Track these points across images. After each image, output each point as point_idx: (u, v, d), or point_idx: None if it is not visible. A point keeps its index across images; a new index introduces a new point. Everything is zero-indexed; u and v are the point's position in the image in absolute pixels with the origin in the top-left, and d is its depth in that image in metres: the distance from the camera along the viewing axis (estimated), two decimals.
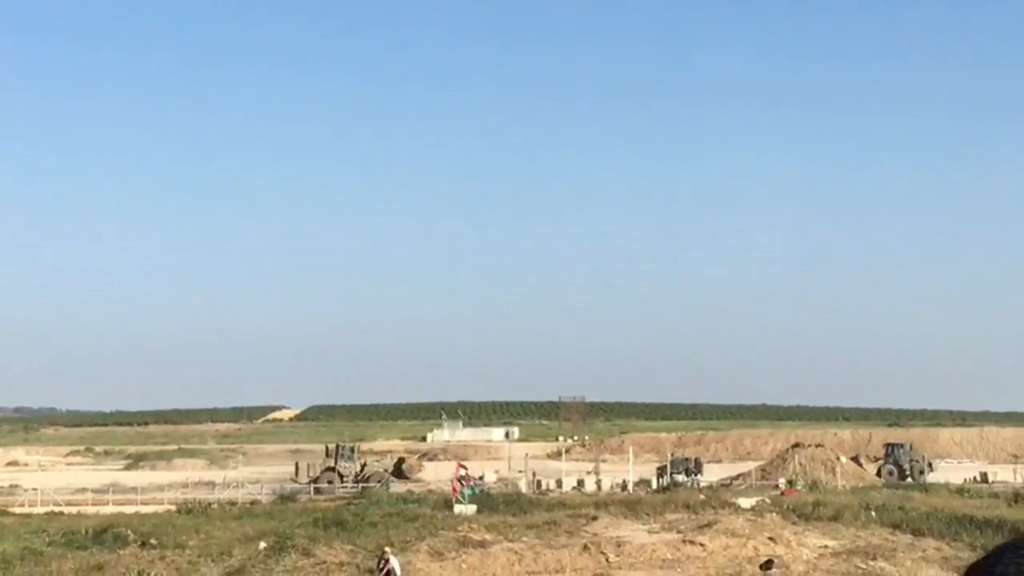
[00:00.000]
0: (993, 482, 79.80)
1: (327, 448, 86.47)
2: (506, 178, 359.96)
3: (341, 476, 79.58)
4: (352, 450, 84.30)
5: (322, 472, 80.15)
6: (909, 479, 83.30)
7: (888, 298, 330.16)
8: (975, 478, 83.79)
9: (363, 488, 74.80)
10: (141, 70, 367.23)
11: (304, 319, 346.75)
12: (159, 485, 79.07)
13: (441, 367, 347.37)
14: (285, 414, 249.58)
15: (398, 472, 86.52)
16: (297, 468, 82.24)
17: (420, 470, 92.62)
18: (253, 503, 65.37)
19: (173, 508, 62.01)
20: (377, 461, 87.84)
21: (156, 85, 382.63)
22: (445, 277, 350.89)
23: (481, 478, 73.24)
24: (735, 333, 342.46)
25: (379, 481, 77.80)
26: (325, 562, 38.88)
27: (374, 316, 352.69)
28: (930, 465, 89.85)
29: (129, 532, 44.92)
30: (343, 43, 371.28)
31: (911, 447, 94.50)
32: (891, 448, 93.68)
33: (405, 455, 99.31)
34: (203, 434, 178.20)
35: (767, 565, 34.53)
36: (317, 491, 74.22)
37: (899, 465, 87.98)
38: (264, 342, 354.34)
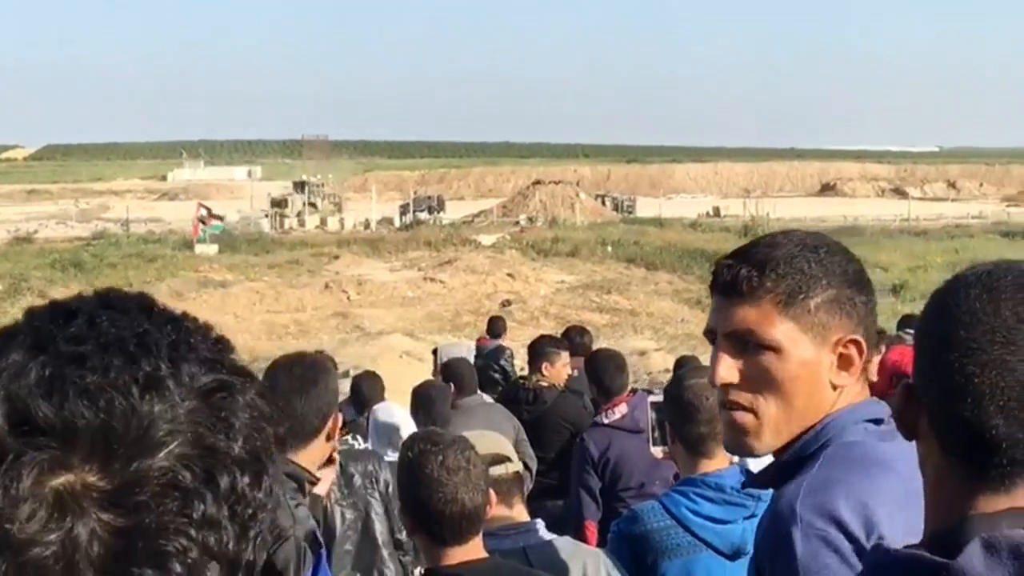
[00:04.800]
0: (725, 216, 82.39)
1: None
2: None
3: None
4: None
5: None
6: None
7: (627, 34, 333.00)
8: (708, 213, 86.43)
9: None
10: None
11: (37, 52, 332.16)
12: None
13: (180, 104, 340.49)
14: (19, 153, 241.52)
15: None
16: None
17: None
18: None
19: None
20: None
21: None
22: (181, 10, 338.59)
23: (220, 218, 72.48)
24: (471, 66, 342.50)
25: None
26: None
27: (109, 50, 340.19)
28: None
29: None
30: None
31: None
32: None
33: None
34: None
35: (505, 304, 35.57)
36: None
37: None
38: None
